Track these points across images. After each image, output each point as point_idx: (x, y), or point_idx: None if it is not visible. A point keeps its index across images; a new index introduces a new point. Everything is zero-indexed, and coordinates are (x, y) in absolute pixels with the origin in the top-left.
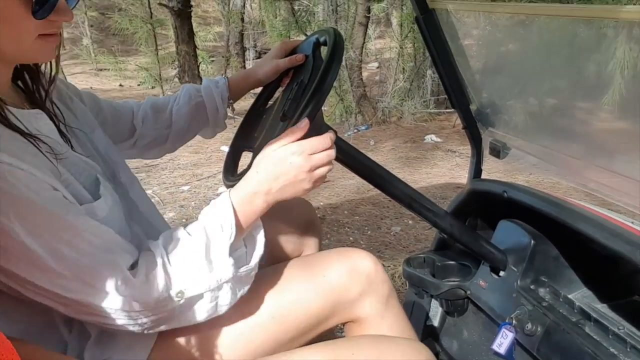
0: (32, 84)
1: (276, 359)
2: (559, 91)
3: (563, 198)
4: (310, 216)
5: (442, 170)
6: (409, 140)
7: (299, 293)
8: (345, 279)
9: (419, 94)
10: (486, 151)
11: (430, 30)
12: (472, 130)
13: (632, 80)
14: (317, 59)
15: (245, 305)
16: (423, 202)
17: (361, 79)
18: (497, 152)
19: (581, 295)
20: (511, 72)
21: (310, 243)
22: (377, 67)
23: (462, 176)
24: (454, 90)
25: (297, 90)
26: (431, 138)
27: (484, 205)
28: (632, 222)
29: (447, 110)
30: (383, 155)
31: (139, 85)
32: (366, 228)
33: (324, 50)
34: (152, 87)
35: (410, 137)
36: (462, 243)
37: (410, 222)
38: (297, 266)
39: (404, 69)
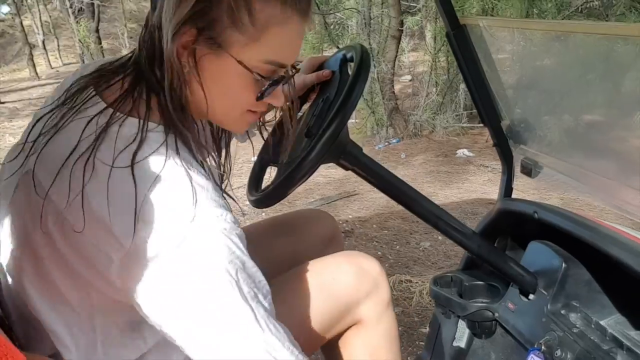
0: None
1: None
2: (593, 109)
3: (596, 220)
4: (333, 231)
5: (473, 185)
6: (441, 154)
7: (311, 297)
8: (354, 279)
9: (452, 108)
10: (517, 169)
11: (461, 46)
12: (503, 147)
13: None
14: (344, 75)
15: None
16: (450, 222)
17: (393, 92)
18: (529, 170)
19: (614, 322)
20: (544, 88)
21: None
22: (410, 80)
23: (494, 192)
24: (484, 107)
25: (323, 106)
26: (463, 152)
27: (514, 226)
28: None
29: (480, 124)
30: (414, 169)
31: None
32: (395, 242)
33: (352, 66)
34: None
35: (442, 151)
36: (490, 264)
37: (439, 237)
38: (309, 271)
39: (436, 82)
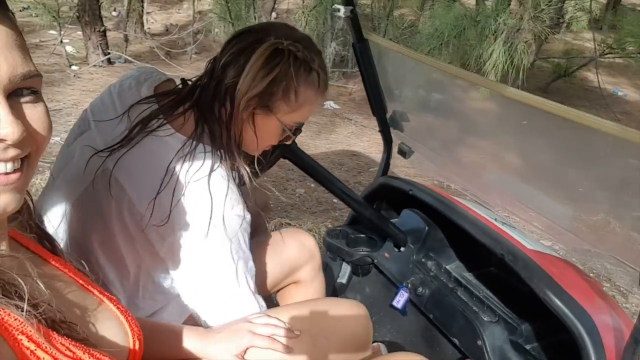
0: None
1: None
2: (452, 115)
3: (451, 198)
4: (265, 201)
5: (339, 137)
6: None
7: (265, 265)
8: (296, 252)
9: None
10: (395, 152)
11: (363, 56)
12: (386, 133)
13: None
14: None
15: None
16: (350, 194)
17: None
18: (404, 153)
19: (455, 266)
20: (420, 94)
21: (262, 221)
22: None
23: (357, 144)
24: (375, 101)
25: None
26: (330, 105)
27: (391, 195)
28: (495, 220)
29: (347, 85)
30: None
31: (21, 10)
32: (274, 189)
33: None
34: (36, 15)
35: None
36: (375, 225)
37: (312, 185)
38: (262, 245)
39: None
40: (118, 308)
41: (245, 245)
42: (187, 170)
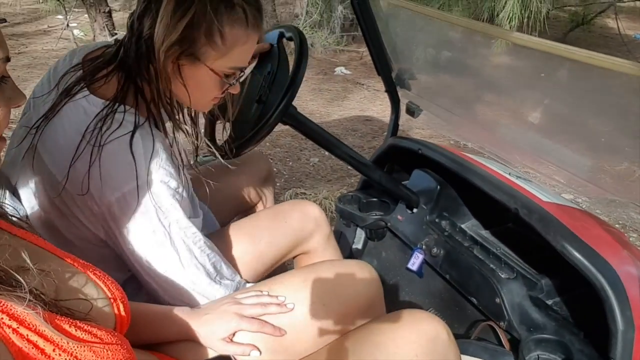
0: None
1: (261, 286)
2: (460, 70)
3: (462, 155)
4: (267, 170)
5: (351, 103)
6: (321, 72)
7: (270, 237)
8: (300, 222)
9: (330, 27)
10: (403, 111)
11: (363, 12)
12: (393, 93)
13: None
14: (281, 50)
15: (228, 247)
16: (358, 159)
17: (274, 10)
18: (412, 112)
19: (471, 225)
20: (425, 48)
21: (268, 192)
22: None
23: (370, 109)
24: (379, 60)
25: (269, 78)
26: (341, 70)
27: (401, 157)
28: (509, 174)
29: (355, 44)
30: None
31: None
32: (287, 159)
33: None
34: (42, 2)
35: (321, 68)
36: (386, 188)
37: (326, 153)
38: (265, 217)
39: (315, 1)
40: (95, 274)
41: (176, 211)
42: (104, 133)
